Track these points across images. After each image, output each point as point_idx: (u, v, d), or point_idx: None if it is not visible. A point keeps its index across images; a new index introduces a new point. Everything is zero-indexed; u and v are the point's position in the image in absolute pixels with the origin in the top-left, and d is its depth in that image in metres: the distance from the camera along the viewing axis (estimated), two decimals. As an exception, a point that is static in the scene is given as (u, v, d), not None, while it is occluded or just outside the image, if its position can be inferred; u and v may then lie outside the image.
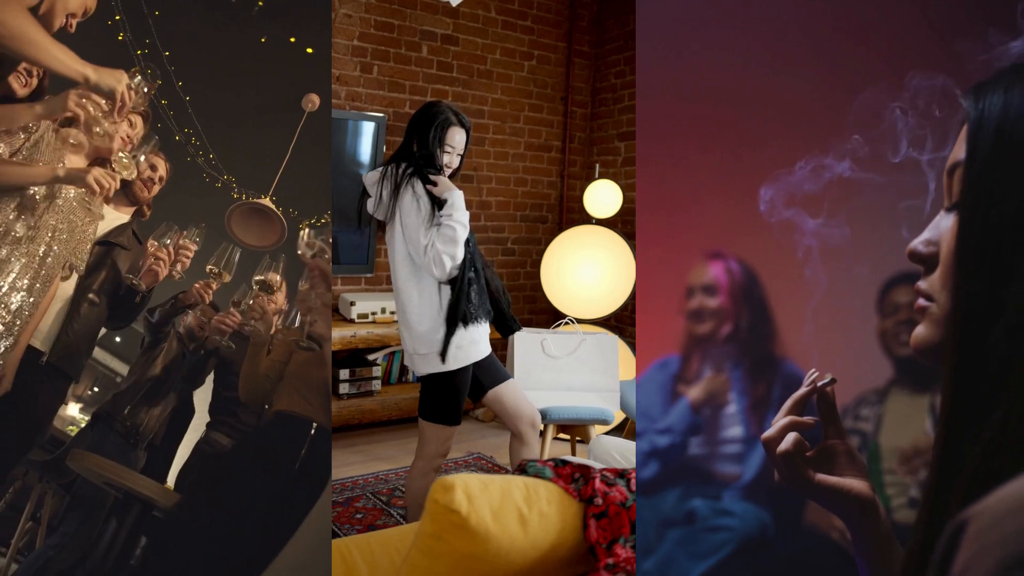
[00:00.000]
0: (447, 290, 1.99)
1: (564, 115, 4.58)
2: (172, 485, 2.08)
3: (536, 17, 4.41)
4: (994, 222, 0.49)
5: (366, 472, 3.10)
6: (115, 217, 1.90)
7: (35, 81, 1.71)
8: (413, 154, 2.05)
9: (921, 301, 0.58)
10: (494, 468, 3.27)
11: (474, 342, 2.03)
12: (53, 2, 1.43)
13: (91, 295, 1.75)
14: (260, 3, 2.09)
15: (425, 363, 2.02)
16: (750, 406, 1.25)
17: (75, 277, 1.71)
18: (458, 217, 1.96)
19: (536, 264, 4.37)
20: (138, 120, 1.80)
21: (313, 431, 1.59)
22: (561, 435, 3.50)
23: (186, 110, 1.50)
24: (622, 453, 1.95)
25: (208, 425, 2.14)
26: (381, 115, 3.79)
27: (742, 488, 1.23)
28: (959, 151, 0.54)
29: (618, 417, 3.25)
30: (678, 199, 1.19)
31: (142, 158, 1.72)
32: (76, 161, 1.64)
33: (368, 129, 3.75)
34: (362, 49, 3.79)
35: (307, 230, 1.45)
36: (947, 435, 0.50)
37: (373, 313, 3.52)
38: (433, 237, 1.94)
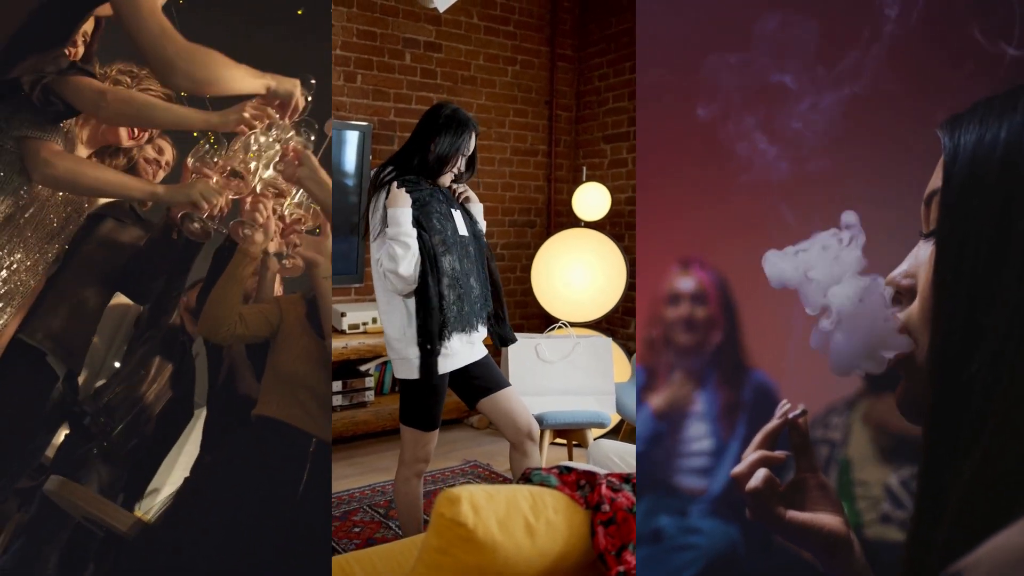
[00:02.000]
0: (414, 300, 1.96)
1: (549, 119, 4.58)
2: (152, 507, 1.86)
3: (518, 22, 4.41)
4: (971, 248, 0.49)
5: (362, 484, 3.07)
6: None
7: (145, 135, 1.69)
8: (413, 156, 2.02)
9: (900, 353, 0.56)
10: (491, 476, 3.25)
11: (452, 354, 1.97)
12: None
13: (78, 262, 1.62)
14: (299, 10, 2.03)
15: (399, 368, 2.00)
16: (718, 417, 1.21)
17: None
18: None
19: (526, 269, 4.36)
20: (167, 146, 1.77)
21: (313, 448, 1.48)
22: (558, 440, 3.48)
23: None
24: (621, 456, 1.94)
25: (202, 448, 1.89)
26: (366, 124, 3.77)
27: (710, 503, 1.19)
28: (936, 180, 0.55)
29: (614, 420, 3.24)
30: (662, 204, 1.17)
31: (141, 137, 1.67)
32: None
33: (353, 138, 3.72)
34: (345, 58, 3.77)
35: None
36: (928, 475, 0.49)
37: (364, 323, 3.49)
38: (381, 253, 1.93)
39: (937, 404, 0.49)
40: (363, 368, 3.65)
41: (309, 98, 1.52)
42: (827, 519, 0.67)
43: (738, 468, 0.70)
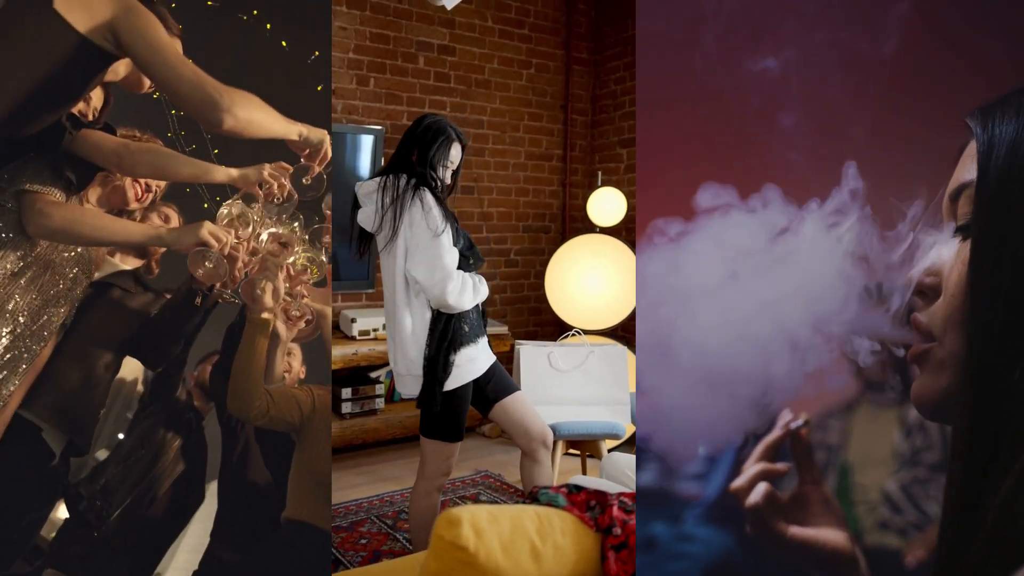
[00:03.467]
0: (441, 314, 1.92)
1: (564, 123, 4.51)
2: None
3: (533, 25, 4.36)
4: (1011, 243, 0.46)
5: (371, 494, 3.01)
6: (114, 268, 1.76)
7: (150, 196, 1.67)
8: (412, 166, 1.96)
9: (919, 346, 0.53)
10: (502, 486, 3.17)
11: (471, 360, 1.95)
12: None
13: (78, 334, 1.57)
14: (268, 25, 2.07)
15: (419, 384, 1.94)
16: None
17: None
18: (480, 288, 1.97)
19: (540, 275, 4.29)
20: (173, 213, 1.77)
21: (322, 542, 1.50)
22: (571, 451, 3.40)
23: (202, 135, 1.49)
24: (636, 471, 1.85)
25: (212, 536, 1.78)
26: (379, 127, 3.73)
27: (704, 509, 1.13)
28: (963, 173, 0.52)
29: (629, 431, 3.15)
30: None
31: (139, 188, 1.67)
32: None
33: (367, 143, 3.68)
34: (358, 62, 3.73)
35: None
36: (963, 483, 0.45)
37: (375, 329, 3.44)
38: (464, 274, 1.90)
39: (977, 411, 0.45)
40: (374, 375, 3.60)
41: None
42: (830, 535, 0.65)
43: (738, 482, 0.68)
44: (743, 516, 0.66)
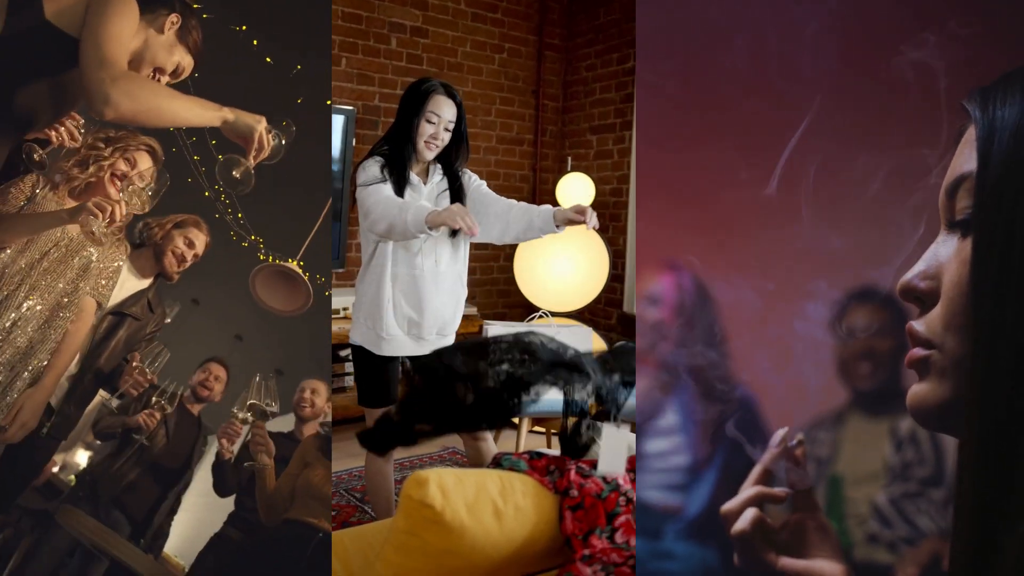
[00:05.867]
0: (383, 253, 1.93)
1: (536, 108, 4.56)
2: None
3: (506, 10, 4.39)
4: (1018, 239, 0.42)
5: (340, 469, 3.07)
6: (134, 284, 1.80)
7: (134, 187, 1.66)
8: (392, 138, 1.95)
9: (917, 351, 0.49)
10: (468, 464, 3.26)
11: (396, 342, 1.97)
12: (139, 52, 1.36)
13: (98, 367, 1.72)
14: (299, 67, 2.05)
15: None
16: (698, 433, 1.14)
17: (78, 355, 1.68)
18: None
19: (509, 258, 4.36)
20: (144, 157, 1.67)
21: (320, 536, 1.64)
22: (536, 428, 3.49)
23: (215, 167, 1.42)
24: (597, 443, 1.95)
25: (230, 518, 2.02)
26: (350, 108, 3.74)
27: (686, 525, 1.12)
28: (959, 162, 0.48)
29: (594, 409, 3.25)
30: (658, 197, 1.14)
31: (146, 192, 1.68)
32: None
33: (337, 123, 3.69)
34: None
35: None
36: (974, 517, 0.41)
37: (345, 308, 3.48)
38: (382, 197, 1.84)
39: (985, 421, 0.41)
40: (343, 353, 3.64)
41: (283, 142, 1.37)
42: (826, 567, 0.61)
43: (728, 505, 0.64)
44: (731, 543, 0.63)
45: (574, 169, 4.21)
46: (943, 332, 0.47)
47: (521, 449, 2.66)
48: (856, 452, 1.09)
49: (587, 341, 3.09)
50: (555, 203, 4.13)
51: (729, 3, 1.01)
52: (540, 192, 4.62)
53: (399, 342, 1.98)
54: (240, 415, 1.80)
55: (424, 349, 1.96)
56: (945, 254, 0.48)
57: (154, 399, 1.76)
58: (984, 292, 0.43)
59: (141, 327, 1.81)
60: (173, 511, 1.99)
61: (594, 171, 4.32)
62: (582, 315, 4.15)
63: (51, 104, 1.36)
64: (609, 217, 4.29)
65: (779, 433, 0.66)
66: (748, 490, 0.63)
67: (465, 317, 3.71)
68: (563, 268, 4.01)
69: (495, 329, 2.96)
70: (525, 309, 4.29)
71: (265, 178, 1.40)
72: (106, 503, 1.81)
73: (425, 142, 1.92)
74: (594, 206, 4.11)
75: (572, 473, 1.23)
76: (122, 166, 1.62)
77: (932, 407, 0.47)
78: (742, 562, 0.62)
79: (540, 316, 3.41)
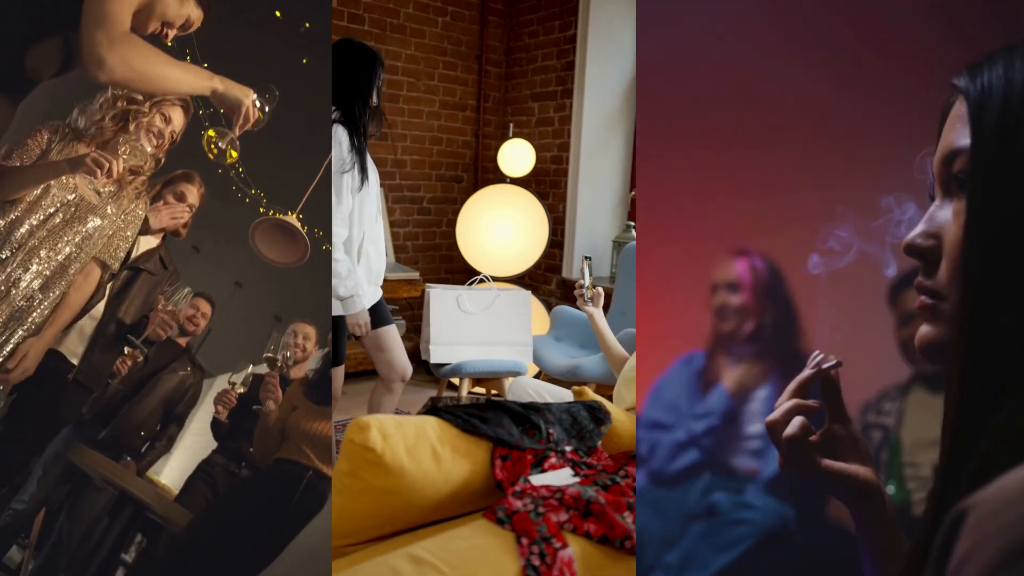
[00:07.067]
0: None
1: (479, 74, 4.57)
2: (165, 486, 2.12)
3: (450, -28, 4.35)
4: (1008, 205, 0.46)
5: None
6: (146, 242, 1.84)
7: (166, 143, 1.65)
8: (343, 98, 2.02)
9: (924, 299, 0.54)
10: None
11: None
12: (148, 6, 1.33)
13: (119, 318, 1.77)
14: (307, 24, 2.01)
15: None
16: (773, 401, 1.23)
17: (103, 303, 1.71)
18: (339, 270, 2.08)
19: (452, 223, 4.40)
20: (178, 112, 1.66)
21: (311, 475, 1.72)
22: (476, 388, 3.59)
23: (219, 122, 1.41)
24: (537, 391, 2.06)
25: (219, 448, 2.10)
26: (290, 68, 3.67)
27: (764, 482, 1.25)
28: (952, 136, 0.52)
29: (532, 370, 3.37)
30: (687, 196, 1.20)
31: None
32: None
33: (276, 82, 3.63)
34: (268, -2, 3.64)
35: None
36: (956, 430, 0.48)
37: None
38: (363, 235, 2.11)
39: (965, 365, 0.47)
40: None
41: (267, 110, 1.39)
42: (859, 468, 0.67)
43: (772, 416, 0.70)
44: (777, 448, 0.68)
45: (516, 136, 4.26)
46: (948, 286, 0.52)
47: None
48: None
49: (526, 304, 3.19)
50: (497, 169, 4.20)
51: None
52: (483, 159, 4.66)
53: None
54: (238, 387, 1.92)
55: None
56: (944, 216, 0.52)
57: (127, 350, 1.80)
58: (975, 252, 0.48)
59: (157, 282, 1.87)
60: (163, 434, 2.10)
61: (535, 138, 4.38)
62: (522, 280, 4.25)
63: (60, 64, 1.32)
64: (550, 184, 4.37)
65: (816, 355, 0.71)
66: (785, 403, 0.70)
67: (407, 282, 3.77)
68: (504, 234, 4.08)
69: (436, 292, 3.02)
70: (467, 274, 4.35)
71: (268, 135, 1.43)
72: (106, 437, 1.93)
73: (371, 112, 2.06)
74: (534, 173, 4.20)
75: (506, 420, 1.32)
76: (158, 122, 1.62)
77: (938, 345, 0.53)
78: (788, 463, 0.68)
79: (481, 280, 3.48)
